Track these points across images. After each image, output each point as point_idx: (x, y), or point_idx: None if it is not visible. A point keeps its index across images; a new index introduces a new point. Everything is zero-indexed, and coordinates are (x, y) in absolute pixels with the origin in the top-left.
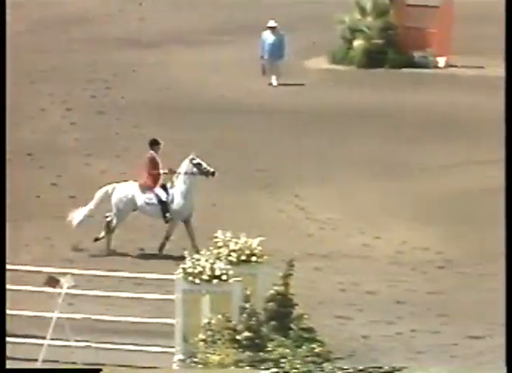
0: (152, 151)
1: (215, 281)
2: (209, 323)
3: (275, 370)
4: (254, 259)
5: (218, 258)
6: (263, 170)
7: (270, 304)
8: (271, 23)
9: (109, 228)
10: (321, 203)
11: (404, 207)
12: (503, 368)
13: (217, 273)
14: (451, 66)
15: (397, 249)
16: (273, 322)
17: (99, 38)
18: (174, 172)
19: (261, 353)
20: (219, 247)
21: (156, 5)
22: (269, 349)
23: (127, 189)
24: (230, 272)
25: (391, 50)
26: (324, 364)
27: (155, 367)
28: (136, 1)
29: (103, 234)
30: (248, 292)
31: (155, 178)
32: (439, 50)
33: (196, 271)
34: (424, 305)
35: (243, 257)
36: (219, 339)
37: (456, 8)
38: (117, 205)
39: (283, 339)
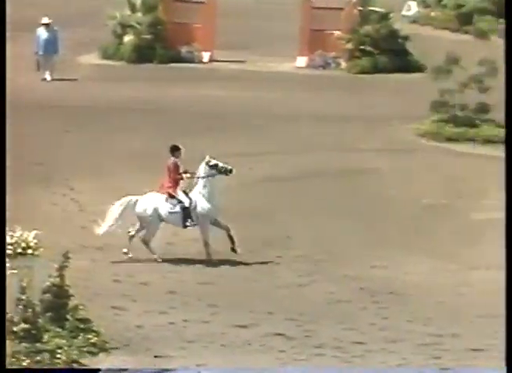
0: (173, 158)
1: None
2: None
3: None
4: (29, 251)
5: None
6: (38, 164)
7: (46, 295)
8: (45, 20)
9: (145, 243)
10: (95, 195)
11: None
12: (503, 368)
13: None
14: (215, 61)
15: (168, 240)
16: (49, 314)
17: None
18: (195, 176)
19: (38, 344)
20: None
21: None
22: (45, 340)
23: (149, 201)
24: (7, 265)
25: (159, 46)
26: (100, 354)
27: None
28: None
29: (125, 250)
30: (24, 284)
31: (177, 183)
32: (203, 45)
33: None
34: (194, 295)
35: (19, 250)
36: None
37: (219, 3)
38: (141, 218)
39: (59, 330)
